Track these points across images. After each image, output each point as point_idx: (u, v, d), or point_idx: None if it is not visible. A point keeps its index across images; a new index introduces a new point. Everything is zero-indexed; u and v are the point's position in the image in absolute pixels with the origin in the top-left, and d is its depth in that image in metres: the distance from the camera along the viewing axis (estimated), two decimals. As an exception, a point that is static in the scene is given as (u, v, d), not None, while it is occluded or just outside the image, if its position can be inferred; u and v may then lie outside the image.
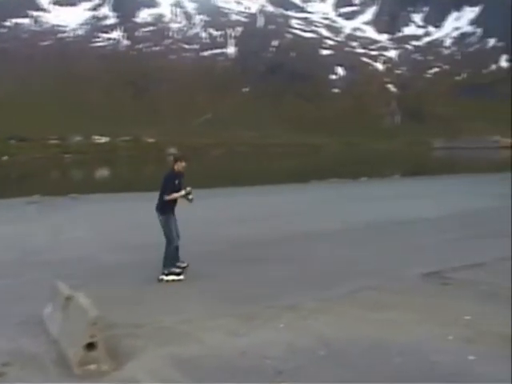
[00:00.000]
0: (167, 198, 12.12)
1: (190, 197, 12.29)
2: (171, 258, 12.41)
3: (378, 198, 28.97)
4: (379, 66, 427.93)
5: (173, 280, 12.10)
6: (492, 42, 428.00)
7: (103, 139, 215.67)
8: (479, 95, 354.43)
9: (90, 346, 7.30)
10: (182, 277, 12.21)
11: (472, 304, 9.85)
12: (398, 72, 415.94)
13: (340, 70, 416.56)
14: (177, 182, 12.18)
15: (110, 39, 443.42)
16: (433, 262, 13.08)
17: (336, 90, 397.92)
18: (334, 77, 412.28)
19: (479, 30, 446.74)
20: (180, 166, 12.32)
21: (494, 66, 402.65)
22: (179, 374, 7.19)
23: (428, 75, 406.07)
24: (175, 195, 12.19)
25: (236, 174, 71.26)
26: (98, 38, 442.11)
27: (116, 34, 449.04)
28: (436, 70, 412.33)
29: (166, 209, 12.31)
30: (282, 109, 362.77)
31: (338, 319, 9.19)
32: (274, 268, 13.05)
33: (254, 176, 60.65)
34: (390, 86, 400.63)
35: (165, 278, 12.18)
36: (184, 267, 12.64)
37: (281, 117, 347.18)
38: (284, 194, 31.92)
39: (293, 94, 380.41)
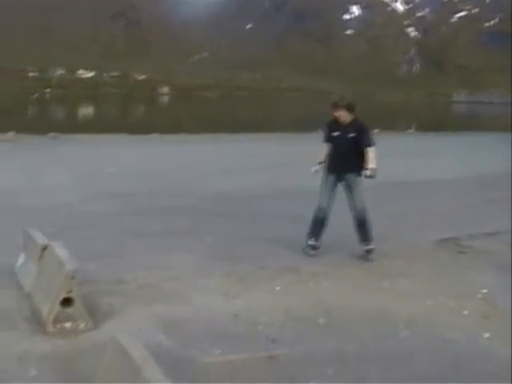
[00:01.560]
0: (320, 146, 10.93)
1: (368, 173, 10.15)
2: (311, 225, 10.87)
3: (389, 154, 28.83)
4: (399, 6, 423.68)
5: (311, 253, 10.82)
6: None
7: (88, 74, 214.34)
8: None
9: (66, 302, 7.27)
10: (313, 252, 10.80)
11: (489, 276, 9.85)
12: (420, 15, 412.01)
13: (355, 9, 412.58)
14: (336, 133, 10.59)
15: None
16: (449, 228, 13.06)
17: (349, 32, 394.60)
18: (347, 17, 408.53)
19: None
20: (336, 114, 10.66)
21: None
22: (164, 337, 7.19)
23: (454, 19, 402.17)
24: (322, 150, 10.83)
25: (233, 119, 70.90)
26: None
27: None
28: (463, 13, 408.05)
29: (325, 162, 10.81)
30: (288, 50, 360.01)
31: (342, 285, 9.21)
32: (268, 226, 13.01)
33: (254, 123, 60.34)
34: (410, 30, 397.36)
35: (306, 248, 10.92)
36: (312, 245, 10.88)
37: (286, 58, 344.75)
38: (285, 145, 31.66)
39: (301, 33, 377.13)
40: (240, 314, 7.92)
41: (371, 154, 10.24)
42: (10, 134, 31.65)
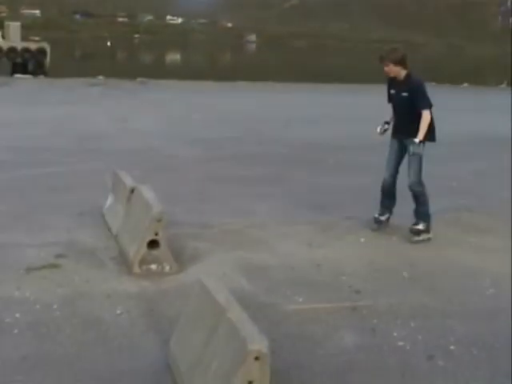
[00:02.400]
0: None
1: (411, 150, 8.71)
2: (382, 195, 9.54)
3: (477, 108, 28.16)
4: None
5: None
6: None
7: (177, 20, 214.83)
8: None
9: (153, 244, 7.38)
10: (374, 226, 9.53)
11: None
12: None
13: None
14: (392, 91, 9.11)
15: None
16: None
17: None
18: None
19: None
20: (385, 68, 8.98)
21: None
22: (246, 282, 7.25)
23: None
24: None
25: (321, 68, 70.24)
26: None
27: None
28: None
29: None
30: (378, 0, 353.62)
31: (427, 240, 9.07)
32: (354, 176, 12.86)
33: (341, 73, 59.63)
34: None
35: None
36: (374, 218, 9.55)
37: (376, 9, 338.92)
38: (373, 96, 31.11)
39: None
40: (324, 264, 7.92)
41: (423, 121, 8.64)
42: (100, 78, 32.15)
